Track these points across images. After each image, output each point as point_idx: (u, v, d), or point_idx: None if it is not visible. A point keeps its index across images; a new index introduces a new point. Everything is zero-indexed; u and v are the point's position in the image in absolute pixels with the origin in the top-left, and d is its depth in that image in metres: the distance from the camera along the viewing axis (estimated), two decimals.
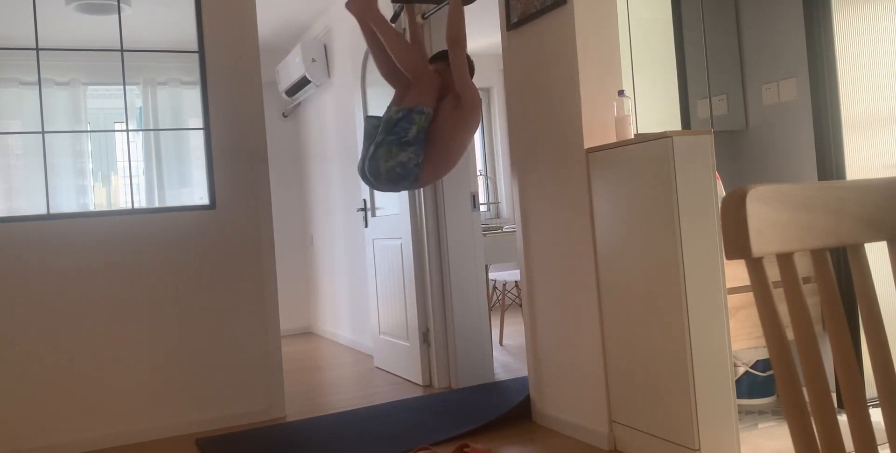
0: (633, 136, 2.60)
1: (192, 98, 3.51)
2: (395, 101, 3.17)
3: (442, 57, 3.24)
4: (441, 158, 3.08)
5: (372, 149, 3.03)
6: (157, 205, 3.47)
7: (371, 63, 4.38)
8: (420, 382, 3.93)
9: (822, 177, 2.93)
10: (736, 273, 2.59)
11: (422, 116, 2.99)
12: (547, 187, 2.97)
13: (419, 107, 3.00)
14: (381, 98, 4.28)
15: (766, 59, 3.23)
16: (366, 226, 4.50)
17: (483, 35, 5.78)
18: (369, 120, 3.12)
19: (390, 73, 3.24)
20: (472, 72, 3.16)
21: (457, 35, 3.00)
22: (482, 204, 6.69)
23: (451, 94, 3.12)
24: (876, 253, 2.47)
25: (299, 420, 3.38)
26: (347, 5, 3.18)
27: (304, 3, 5.08)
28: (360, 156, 3.13)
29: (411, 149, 2.98)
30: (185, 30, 3.45)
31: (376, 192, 4.40)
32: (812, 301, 2.64)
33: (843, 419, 2.30)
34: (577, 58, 2.72)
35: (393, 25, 3.13)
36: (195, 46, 3.44)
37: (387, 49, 3.12)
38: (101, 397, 3.19)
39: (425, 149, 3.05)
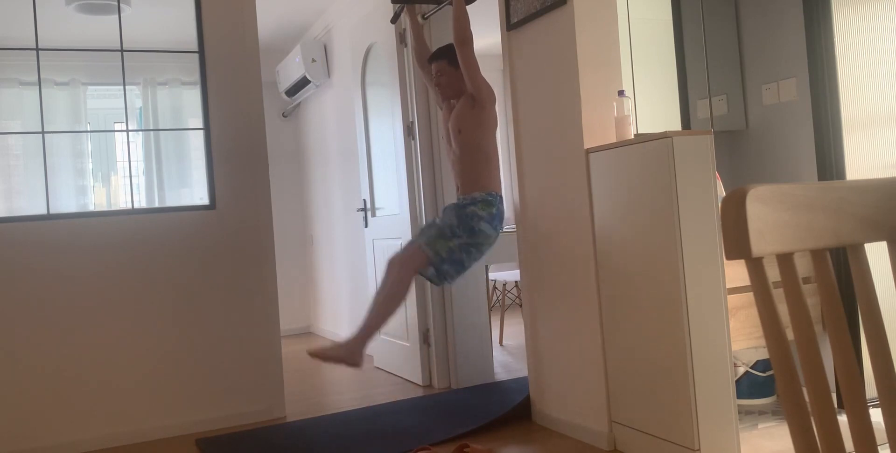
0: (633, 136, 2.60)
1: (192, 98, 3.51)
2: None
3: (440, 56, 3.24)
4: (487, 161, 3.15)
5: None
6: (157, 205, 3.47)
7: (371, 63, 4.38)
8: (420, 382, 3.93)
9: (822, 177, 2.93)
10: (736, 273, 2.59)
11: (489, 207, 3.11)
12: (547, 187, 2.96)
13: (492, 194, 3.11)
14: (381, 98, 4.28)
15: (766, 59, 3.23)
16: (366, 226, 4.50)
17: (483, 35, 5.78)
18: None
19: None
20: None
21: (464, 35, 3.01)
22: None
23: (464, 96, 3.15)
24: (876, 253, 2.47)
25: (299, 420, 3.38)
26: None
27: (304, 3, 5.08)
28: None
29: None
30: (185, 30, 3.46)
31: (376, 192, 4.40)
32: (812, 301, 2.63)
33: (843, 419, 2.30)
34: (577, 58, 2.72)
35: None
36: (195, 46, 3.44)
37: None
38: (101, 397, 3.19)
39: (471, 164, 3.13)
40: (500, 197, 3.16)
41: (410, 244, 3.14)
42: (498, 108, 3.06)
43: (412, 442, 2.91)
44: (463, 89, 3.17)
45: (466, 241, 3.04)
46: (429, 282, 3.29)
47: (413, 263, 3.03)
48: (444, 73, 3.20)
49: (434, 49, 3.49)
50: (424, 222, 3.88)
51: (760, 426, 2.72)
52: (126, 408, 3.23)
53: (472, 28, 3.07)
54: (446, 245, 3.03)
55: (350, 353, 2.95)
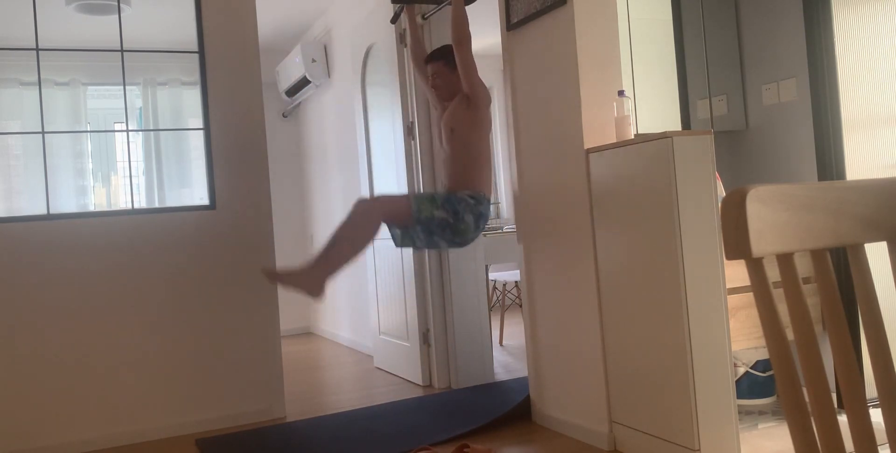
0: (633, 136, 2.60)
1: (192, 98, 3.51)
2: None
3: (438, 56, 3.23)
4: (478, 162, 3.08)
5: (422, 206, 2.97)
6: (157, 205, 3.47)
7: (371, 63, 4.38)
8: (420, 382, 3.93)
9: (822, 177, 2.93)
10: (736, 273, 2.59)
11: (476, 207, 2.98)
12: (547, 187, 2.96)
13: (480, 195, 3.01)
14: (381, 98, 4.28)
15: (766, 59, 3.23)
16: None
17: (483, 35, 5.78)
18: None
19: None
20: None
21: (462, 35, 2.99)
22: None
23: (459, 96, 3.12)
24: (876, 253, 2.47)
25: (299, 420, 3.38)
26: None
27: (304, 3, 5.08)
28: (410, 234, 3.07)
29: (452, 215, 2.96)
30: (185, 30, 3.46)
31: (376, 192, 4.40)
32: (812, 301, 2.63)
33: (843, 419, 2.30)
34: (577, 58, 2.72)
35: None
36: (195, 46, 3.44)
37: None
38: (101, 397, 3.19)
39: (462, 164, 3.07)
40: (488, 199, 3.08)
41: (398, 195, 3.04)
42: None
43: (412, 442, 2.91)
44: (458, 91, 3.14)
45: (448, 220, 2.92)
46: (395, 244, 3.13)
47: (391, 207, 2.87)
48: (440, 74, 3.17)
49: (433, 49, 3.49)
50: None
51: (760, 426, 2.72)
52: (126, 408, 3.23)
53: (471, 28, 3.06)
54: (431, 210, 2.90)
55: (311, 280, 2.74)
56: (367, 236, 2.84)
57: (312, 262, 2.77)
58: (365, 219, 2.83)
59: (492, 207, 3.01)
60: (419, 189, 3.90)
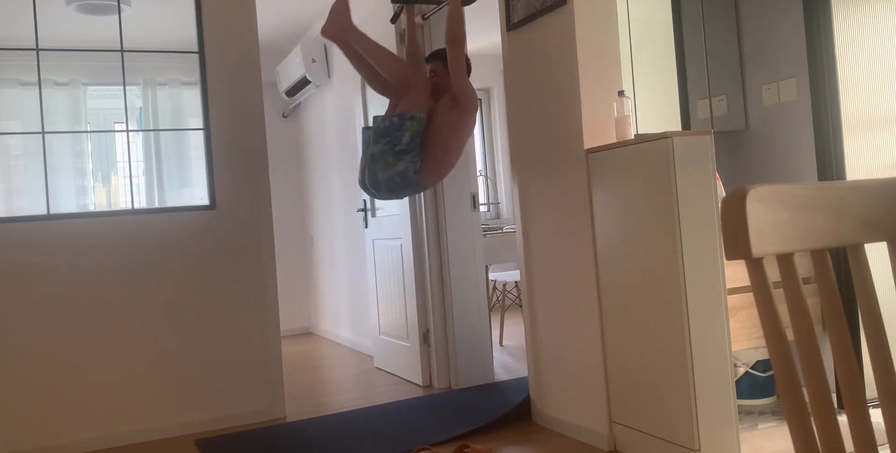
0: (633, 137, 2.60)
1: (192, 98, 3.51)
2: (388, 111, 3.15)
3: (438, 56, 3.23)
4: (441, 160, 3.05)
5: (369, 162, 3.00)
6: (157, 205, 3.47)
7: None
8: (420, 383, 3.93)
9: (822, 178, 2.93)
10: (736, 273, 2.59)
11: (413, 122, 2.95)
12: (547, 187, 2.97)
13: (409, 112, 2.95)
14: (381, 98, 4.28)
15: (766, 59, 3.23)
16: (366, 226, 4.50)
17: (483, 35, 5.78)
18: (365, 131, 3.11)
19: (381, 86, 3.22)
20: (469, 71, 3.15)
21: (456, 36, 2.98)
22: (482, 204, 6.69)
23: (448, 95, 3.10)
24: (876, 253, 2.47)
25: (299, 420, 3.38)
26: (323, 32, 3.13)
27: (304, 3, 5.08)
28: (359, 168, 3.11)
29: (407, 157, 2.95)
30: (185, 30, 3.46)
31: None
32: (812, 301, 2.64)
33: (843, 419, 2.30)
34: (577, 58, 2.72)
35: (368, 37, 3.12)
36: (195, 46, 3.44)
37: (372, 63, 3.09)
38: (100, 397, 3.19)
39: (424, 153, 3.02)
40: (419, 181, 3.01)
41: None
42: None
43: (412, 442, 2.91)
44: (449, 89, 3.12)
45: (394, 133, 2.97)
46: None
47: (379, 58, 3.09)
48: (438, 73, 3.17)
49: (433, 49, 3.49)
50: (424, 223, 3.89)
51: (760, 426, 2.72)
52: (126, 408, 3.23)
53: (471, 28, 3.05)
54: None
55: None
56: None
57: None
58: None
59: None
60: (419, 203, 3.89)
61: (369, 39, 3.08)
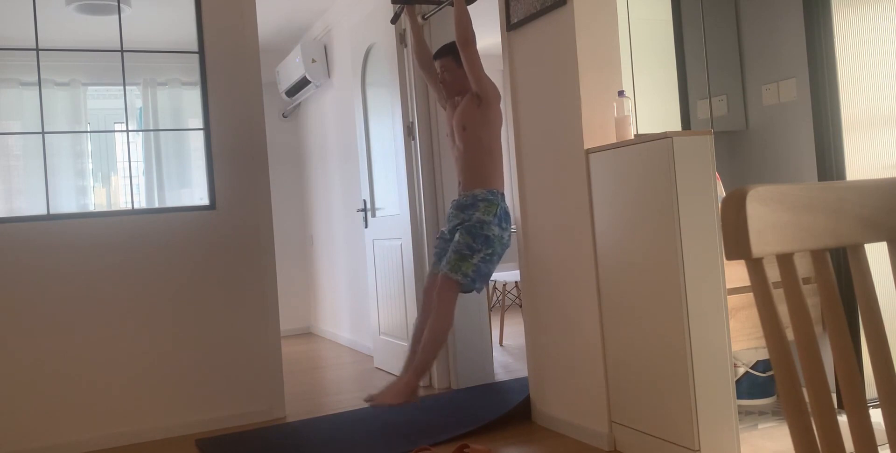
0: (633, 137, 2.60)
1: (192, 98, 3.51)
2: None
3: (445, 52, 3.25)
4: (492, 158, 3.19)
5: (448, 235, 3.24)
6: (157, 205, 3.47)
7: (371, 63, 4.38)
8: (420, 383, 3.93)
9: (822, 178, 2.93)
10: (736, 273, 2.59)
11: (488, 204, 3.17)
12: (547, 187, 2.97)
13: (494, 192, 3.18)
14: (381, 98, 4.28)
15: (766, 59, 3.23)
16: (366, 226, 4.50)
17: (483, 35, 5.77)
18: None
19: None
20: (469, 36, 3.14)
21: (467, 36, 3.04)
22: None
23: (468, 95, 3.17)
24: (876, 253, 2.47)
25: (299, 420, 3.38)
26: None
27: (304, 3, 5.08)
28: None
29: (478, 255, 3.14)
30: (185, 30, 3.46)
31: (376, 192, 4.40)
32: (812, 301, 2.63)
33: (843, 419, 2.30)
34: (577, 58, 2.72)
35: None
36: (195, 46, 3.44)
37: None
38: (100, 397, 3.19)
39: (477, 160, 3.17)
40: (502, 194, 3.20)
41: (437, 274, 3.20)
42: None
43: (412, 442, 2.91)
44: (467, 86, 3.20)
45: (486, 252, 3.11)
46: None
47: (449, 293, 3.10)
48: (448, 69, 3.23)
49: (434, 49, 3.49)
50: (424, 222, 3.88)
51: (760, 426, 2.72)
52: (126, 409, 3.23)
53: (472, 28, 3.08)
54: (470, 265, 3.09)
55: (411, 390, 3.07)
56: (449, 324, 3.13)
57: (409, 372, 3.09)
58: (443, 315, 3.09)
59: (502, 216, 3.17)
60: (419, 203, 3.89)
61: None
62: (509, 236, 3.19)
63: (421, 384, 3.07)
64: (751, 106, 3.31)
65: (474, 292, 3.21)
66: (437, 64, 3.27)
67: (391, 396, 3.03)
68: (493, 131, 3.18)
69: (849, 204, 0.82)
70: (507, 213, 3.19)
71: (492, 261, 3.13)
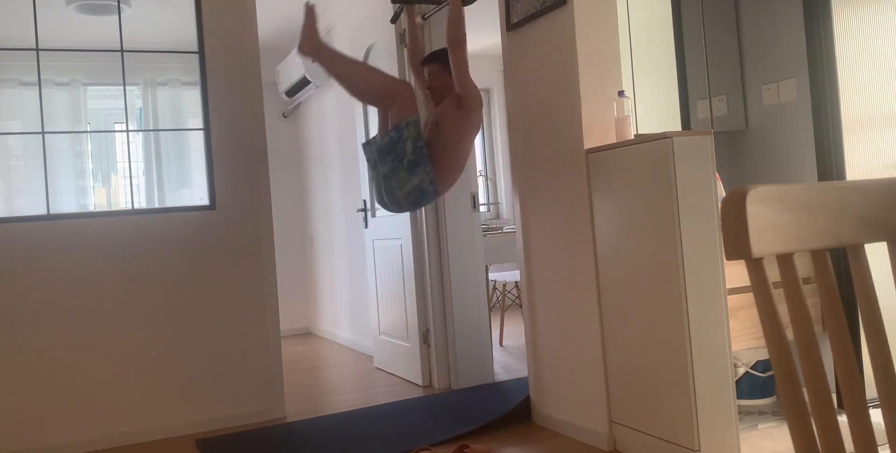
0: (633, 137, 2.60)
1: (192, 98, 3.51)
2: (380, 125, 3.12)
3: (434, 59, 3.21)
4: (452, 161, 3.04)
5: (382, 182, 2.96)
6: (157, 205, 3.47)
7: (371, 63, 4.38)
8: (420, 383, 3.93)
9: (822, 178, 2.93)
10: (736, 273, 2.59)
11: (410, 127, 2.90)
12: (547, 187, 2.97)
13: (402, 121, 2.91)
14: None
15: (766, 59, 3.23)
16: (366, 226, 4.50)
17: (483, 35, 5.78)
18: (366, 148, 3.05)
19: (371, 99, 3.15)
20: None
21: (457, 36, 2.97)
22: (482, 204, 6.69)
23: (451, 95, 3.09)
24: (876, 253, 2.47)
25: (299, 420, 3.38)
26: (301, 50, 3.09)
27: (304, 3, 5.07)
28: (374, 189, 3.07)
29: (419, 169, 2.90)
30: (185, 30, 3.46)
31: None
32: (812, 301, 2.64)
33: (843, 419, 2.30)
34: (577, 58, 2.72)
35: (342, 54, 3.08)
36: (195, 46, 3.44)
37: (352, 79, 3.03)
38: (100, 397, 3.19)
39: (434, 159, 3.01)
40: (436, 189, 2.99)
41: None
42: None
43: (412, 442, 2.91)
44: (452, 91, 3.11)
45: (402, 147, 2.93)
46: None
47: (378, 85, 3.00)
48: (436, 76, 3.16)
49: (433, 50, 3.49)
50: (425, 224, 3.89)
51: (760, 426, 2.72)
52: (126, 409, 3.23)
53: (471, 28, 3.05)
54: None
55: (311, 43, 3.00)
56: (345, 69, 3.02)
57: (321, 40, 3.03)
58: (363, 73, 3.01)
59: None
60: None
61: (345, 57, 3.04)
62: (416, 194, 2.97)
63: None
64: (751, 106, 3.32)
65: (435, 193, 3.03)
66: (425, 70, 3.20)
67: (308, 33, 3.01)
68: (465, 136, 3.05)
69: (849, 204, 0.82)
70: (429, 194, 2.98)
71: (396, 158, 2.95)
